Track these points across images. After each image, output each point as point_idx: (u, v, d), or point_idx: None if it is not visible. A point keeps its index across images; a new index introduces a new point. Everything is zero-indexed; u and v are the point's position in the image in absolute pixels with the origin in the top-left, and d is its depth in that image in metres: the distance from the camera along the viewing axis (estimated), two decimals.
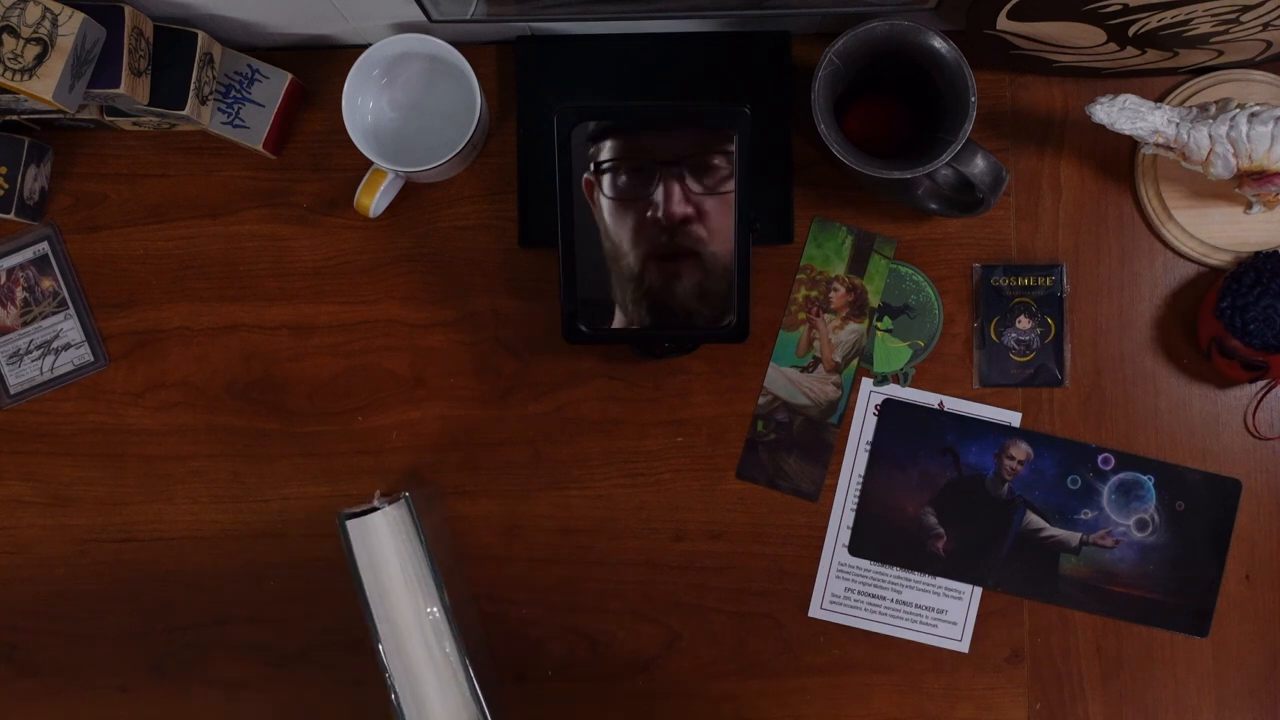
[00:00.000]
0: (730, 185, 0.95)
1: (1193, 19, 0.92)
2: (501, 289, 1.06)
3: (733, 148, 0.95)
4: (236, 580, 1.06)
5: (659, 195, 0.95)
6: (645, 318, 0.97)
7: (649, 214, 0.95)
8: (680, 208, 0.95)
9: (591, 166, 0.95)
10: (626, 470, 1.06)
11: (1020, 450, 1.04)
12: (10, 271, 1.06)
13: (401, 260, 1.06)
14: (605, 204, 0.96)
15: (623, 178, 0.95)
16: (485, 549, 1.05)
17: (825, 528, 1.05)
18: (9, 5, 0.90)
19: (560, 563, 1.05)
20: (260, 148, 1.03)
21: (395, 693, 0.97)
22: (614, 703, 1.05)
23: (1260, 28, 0.95)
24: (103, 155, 1.07)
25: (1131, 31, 0.94)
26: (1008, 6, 0.91)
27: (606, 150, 0.95)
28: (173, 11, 0.97)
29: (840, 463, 1.05)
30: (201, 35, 0.98)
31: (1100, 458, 1.04)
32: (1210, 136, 0.95)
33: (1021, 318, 1.04)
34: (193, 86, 0.98)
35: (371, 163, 1.00)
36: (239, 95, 1.02)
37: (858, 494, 1.05)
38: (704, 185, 0.95)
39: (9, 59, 0.90)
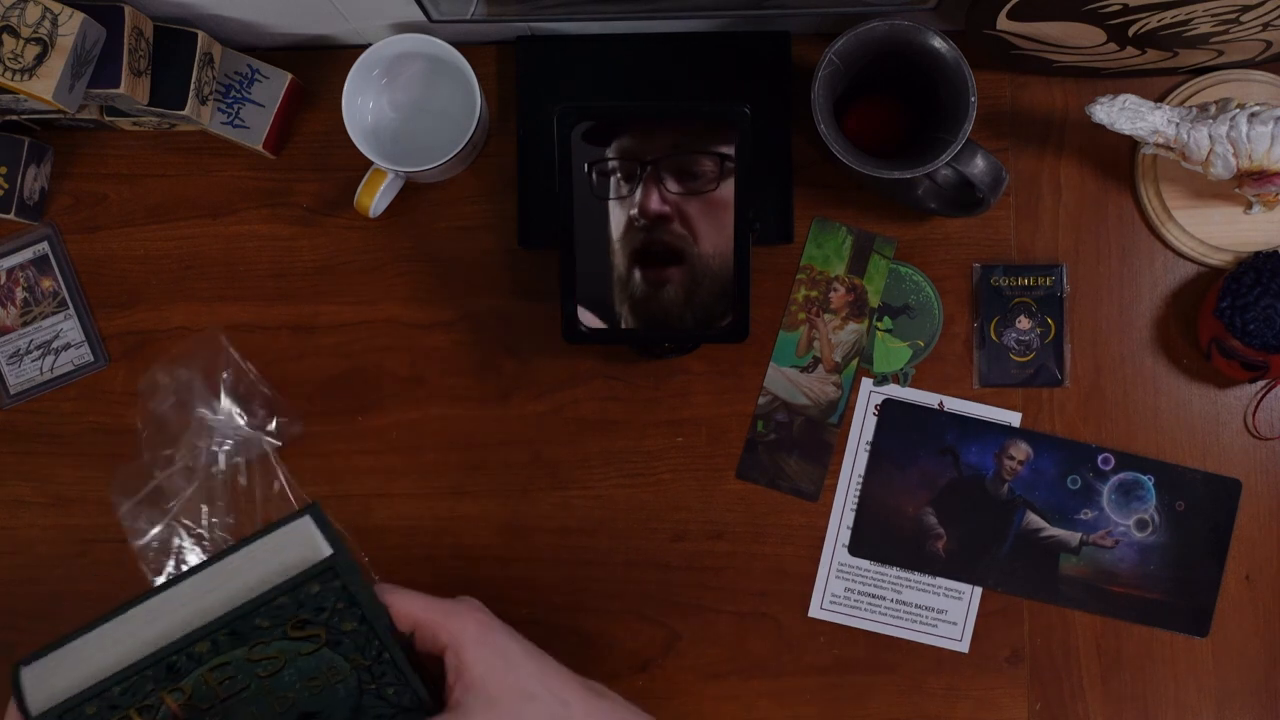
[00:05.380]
0: (716, 186, 0.95)
1: (1193, 19, 0.92)
2: (501, 289, 1.06)
3: (722, 148, 0.94)
4: None
5: (638, 195, 0.95)
6: (633, 323, 0.97)
7: (631, 213, 0.96)
8: (656, 205, 0.95)
9: (586, 168, 0.95)
10: (626, 470, 1.05)
11: (1020, 450, 1.04)
12: (10, 271, 1.06)
13: (401, 260, 1.06)
14: (597, 205, 0.96)
15: (610, 180, 0.95)
16: (485, 549, 1.05)
17: (825, 528, 1.05)
18: (9, 5, 0.89)
19: (560, 563, 1.05)
20: (260, 148, 1.03)
21: None
22: None
23: (1260, 28, 0.95)
24: (103, 155, 1.07)
25: (1131, 31, 0.94)
26: (1008, 6, 0.91)
27: (594, 154, 0.95)
28: (173, 11, 0.97)
29: (840, 463, 1.05)
30: (201, 35, 0.98)
31: (1100, 458, 1.04)
32: (1210, 136, 0.95)
33: (1021, 318, 1.04)
34: (193, 86, 0.98)
35: (371, 163, 1.00)
36: (239, 95, 1.02)
37: (858, 494, 1.05)
38: (684, 186, 0.95)
39: (9, 59, 0.90)
